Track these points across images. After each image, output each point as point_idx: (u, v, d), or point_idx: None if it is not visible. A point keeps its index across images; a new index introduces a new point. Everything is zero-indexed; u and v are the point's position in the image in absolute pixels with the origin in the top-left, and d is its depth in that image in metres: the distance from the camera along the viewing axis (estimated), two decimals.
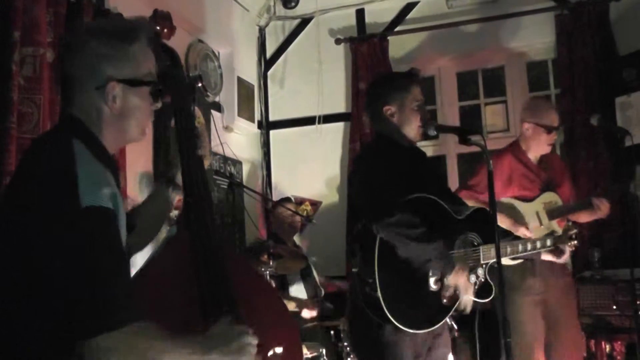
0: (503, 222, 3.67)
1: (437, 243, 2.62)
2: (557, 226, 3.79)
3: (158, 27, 2.10)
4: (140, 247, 2.18)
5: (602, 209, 3.70)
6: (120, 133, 1.71)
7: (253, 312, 1.90)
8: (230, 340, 1.60)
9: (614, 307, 4.22)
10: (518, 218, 3.72)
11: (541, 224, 3.74)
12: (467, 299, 2.72)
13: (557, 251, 3.18)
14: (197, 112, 4.52)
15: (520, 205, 3.76)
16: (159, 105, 1.78)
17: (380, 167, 2.75)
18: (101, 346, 1.41)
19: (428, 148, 5.38)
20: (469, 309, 2.75)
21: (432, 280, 2.68)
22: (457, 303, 2.73)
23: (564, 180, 3.97)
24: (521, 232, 3.66)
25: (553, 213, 3.79)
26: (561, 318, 3.70)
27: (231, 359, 1.59)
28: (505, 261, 3.51)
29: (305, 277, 4.73)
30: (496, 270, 3.57)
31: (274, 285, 4.12)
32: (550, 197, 3.82)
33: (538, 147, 3.81)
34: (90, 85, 1.64)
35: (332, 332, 4.26)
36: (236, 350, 1.60)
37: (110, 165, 1.66)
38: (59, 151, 1.56)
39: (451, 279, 2.66)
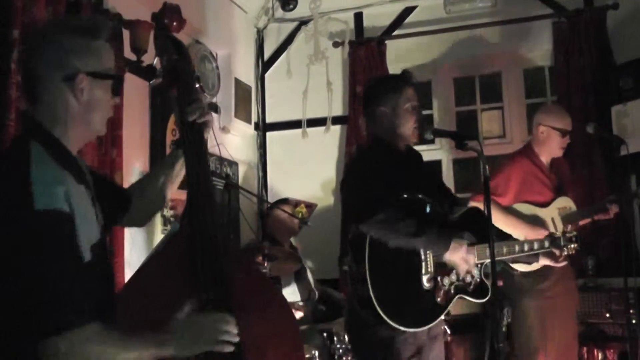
0: (521, 228, 3.63)
1: (428, 232, 2.61)
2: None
3: (167, 20, 2.11)
4: (140, 222, 2.24)
5: (612, 212, 3.77)
6: (86, 126, 1.74)
7: (253, 315, 1.90)
8: (187, 332, 1.64)
9: (607, 315, 4.23)
10: (537, 222, 3.70)
11: (556, 230, 3.72)
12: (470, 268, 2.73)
13: (553, 256, 3.16)
14: None
15: (537, 211, 3.75)
16: (117, 100, 1.81)
17: (371, 168, 2.75)
18: (52, 350, 1.44)
19: (424, 153, 5.33)
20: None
21: (424, 279, 2.67)
22: (453, 300, 2.73)
23: (569, 185, 3.99)
24: (541, 235, 3.64)
25: (568, 218, 3.78)
26: (561, 321, 3.68)
27: (192, 350, 1.65)
28: (522, 267, 3.50)
29: (299, 279, 4.72)
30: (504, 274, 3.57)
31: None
32: (564, 202, 3.83)
33: (551, 150, 3.83)
34: (58, 79, 1.66)
35: (325, 334, 4.26)
36: (192, 342, 1.64)
37: (71, 164, 1.67)
38: (15, 155, 1.61)
39: (448, 257, 2.65)
